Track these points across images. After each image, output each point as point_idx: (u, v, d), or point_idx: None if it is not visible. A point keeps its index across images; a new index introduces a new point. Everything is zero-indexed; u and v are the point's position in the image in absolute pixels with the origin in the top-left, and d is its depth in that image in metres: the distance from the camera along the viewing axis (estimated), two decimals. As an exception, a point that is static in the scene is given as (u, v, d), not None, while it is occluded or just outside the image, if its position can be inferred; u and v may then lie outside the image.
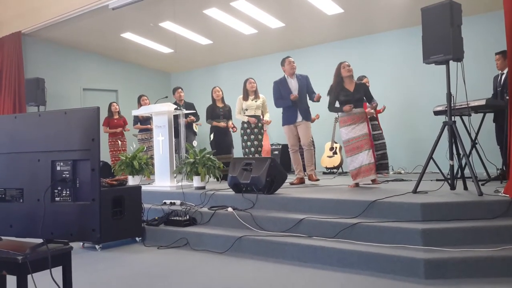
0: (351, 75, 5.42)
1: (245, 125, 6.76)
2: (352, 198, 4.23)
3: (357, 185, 5.32)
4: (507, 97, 4.86)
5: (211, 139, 7.29)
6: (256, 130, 6.70)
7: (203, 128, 8.66)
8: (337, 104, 5.41)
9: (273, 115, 8.52)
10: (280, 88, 5.98)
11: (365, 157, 5.17)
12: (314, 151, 6.18)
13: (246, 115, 6.75)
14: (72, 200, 1.98)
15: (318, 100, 5.84)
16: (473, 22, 7.22)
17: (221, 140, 7.20)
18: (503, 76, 5.79)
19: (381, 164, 6.95)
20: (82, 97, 10.36)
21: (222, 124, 7.19)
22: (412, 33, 7.92)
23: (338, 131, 8.31)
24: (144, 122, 8.40)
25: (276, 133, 9.48)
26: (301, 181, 5.98)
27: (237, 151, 7.43)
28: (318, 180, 6.01)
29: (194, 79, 11.58)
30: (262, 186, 4.88)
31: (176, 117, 6.55)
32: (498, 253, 3.21)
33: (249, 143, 6.70)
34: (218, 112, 7.26)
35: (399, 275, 3.27)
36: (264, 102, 6.86)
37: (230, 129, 7.26)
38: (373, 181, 5.34)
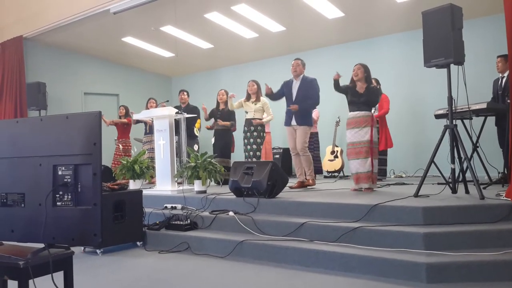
0: (359, 79, 5.34)
1: (245, 128, 6.78)
2: (353, 202, 4.23)
3: (356, 189, 5.30)
4: (508, 100, 4.86)
5: (213, 142, 7.38)
6: (255, 133, 6.69)
7: (205, 132, 8.67)
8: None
9: (276, 117, 8.53)
10: (284, 88, 6.01)
11: (363, 165, 5.14)
12: (318, 155, 6.15)
13: (246, 118, 6.78)
14: (74, 204, 1.98)
15: (294, 110, 5.82)
16: (474, 25, 7.23)
17: (218, 143, 7.26)
18: (504, 80, 5.79)
19: (380, 170, 6.97)
20: (83, 101, 10.38)
21: (208, 124, 7.38)
22: (413, 36, 7.94)
23: (339, 134, 8.38)
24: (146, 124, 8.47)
25: (277, 137, 9.47)
26: (301, 185, 5.96)
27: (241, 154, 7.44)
28: (311, 185, 5.90)
29: (195, 83, 11.60)
30: (263, 190, 4.87)
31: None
32: (501, 257, 3.20)
33: (248, 147, 6.71)
34: (215, 115, 7.31)
35: (401, 279, 3.25)
36: (265, 105, 6.84)
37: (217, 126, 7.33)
38: (366, 189, 5.22)
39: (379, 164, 6.92)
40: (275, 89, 6.08)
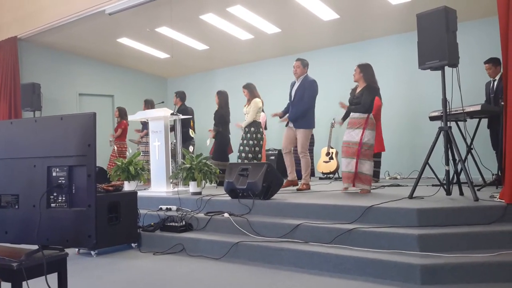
0: (357, 80, 5.36)
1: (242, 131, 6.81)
2: (348, 204, 4.24)
3: (346, 188, 5.33)
4: (502, 103, 4.89)
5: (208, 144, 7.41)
6: (248, 135, 6.69)
7: (200, 134, 8.67)
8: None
9: (271, 119, 8.50)
10: (290, 89, 6.04)
11: (347, 165, 5.19)
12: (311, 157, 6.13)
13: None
14: (68, 206, 1.97)
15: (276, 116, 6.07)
16: (468, 28, 7.26)
17: (214, 146, 7.25)
18: (495, 82, 5.84)
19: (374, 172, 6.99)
20: (78, 102, 10.34)
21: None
22: (408, 38, 7.96)
23: (334, 136, 8.39)
24: (145, 125, 8.44)
25: (273, 138, 9.48)
26: (289, 184, 5.94)
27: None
28: (305, 190, 5.85)
29: (191, 84, 11.59)
30: (259, 192, 4.87)
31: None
32: (494, 259, 3.21)
33: (241, 148, 6.72)
34: None
35: (395, 280, 3.26)
36: (253, 104, 6.69)
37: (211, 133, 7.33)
38: (362, 190, 5.23)
39: (375, 165, 6.96)
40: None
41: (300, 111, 5.78)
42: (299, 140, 5.79)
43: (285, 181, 5.94)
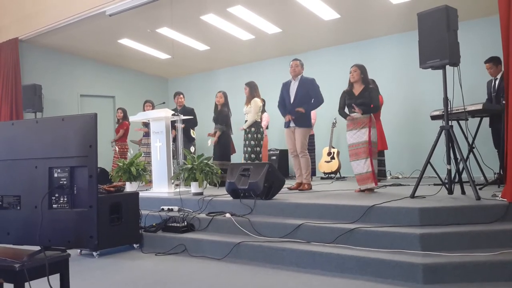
0: (356, 80, 5.32)
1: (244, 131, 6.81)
2: (350, 203, 4.23)
3: (361, 190, 5.26)
4: (504, 101, 4.88)
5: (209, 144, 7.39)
6: (249, 135, 6.70)
7: (201, 134, 8.67)
8: (346, 110, 5.41)
9: (272, 118, 8.54)
10: (283, 91, 6.01)
11: (363, 166, 5.13)
12: (313, 157, 6.12)
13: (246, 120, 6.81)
14: (70, 207, 1.97)
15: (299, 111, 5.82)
16: (469, 27, 7.26)
17: (215, 146, 7.25)
18: (497, 81, 5.83)
19: (379, 171, 6.96)
20: (79, 103, 10.34)
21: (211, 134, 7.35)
22: (409, 37, 7.96)
23: (336, 136, 8.39)
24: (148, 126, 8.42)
25: (274, 138, 9.48)
26: (299, 186, 5.95)
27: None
28: (306, 190, 5.85)
29: (192, 85, 11.60)
30: (260, 192, 4.87)
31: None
32: (497, 257, 3.21)
33: (245, 149, 6.73)
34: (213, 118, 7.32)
35: (397, 280, 3.26)
36: (253, 103, 6.70)
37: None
38: (368, 190, 5.21)
39: (379, 165, 6.94)
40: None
41: (315, 106, 5.93)
42: (298, 139, 5.78)
43: (294, 183, 5.97)
